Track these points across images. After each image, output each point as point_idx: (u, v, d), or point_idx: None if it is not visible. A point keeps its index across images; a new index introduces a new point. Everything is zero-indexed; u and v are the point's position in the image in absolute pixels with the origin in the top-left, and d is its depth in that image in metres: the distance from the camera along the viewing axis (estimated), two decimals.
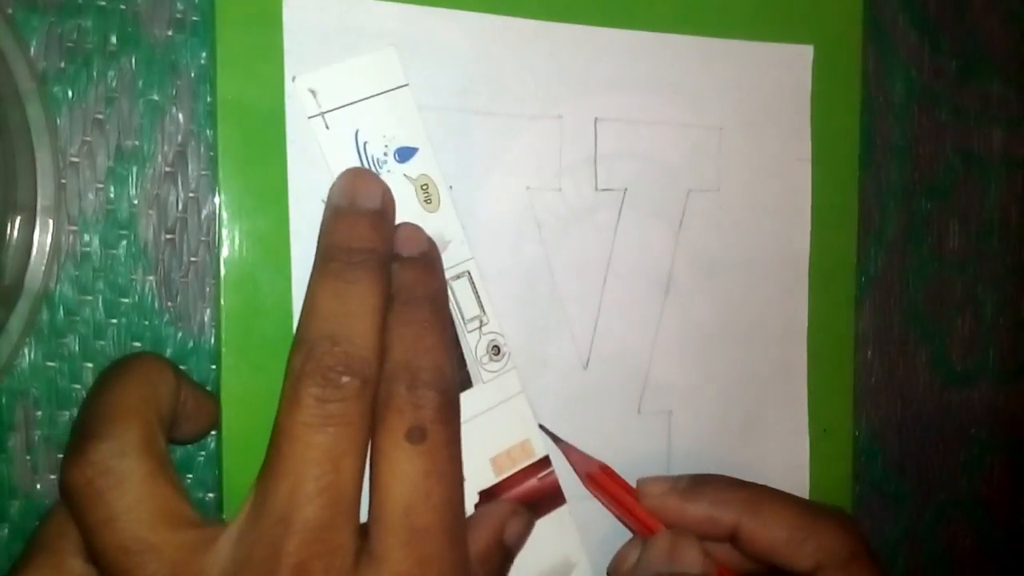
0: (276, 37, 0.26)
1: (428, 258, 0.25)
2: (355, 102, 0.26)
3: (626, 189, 0.30)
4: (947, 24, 0.37)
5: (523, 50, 0.29)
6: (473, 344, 0.28)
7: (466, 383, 0.27)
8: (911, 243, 0.37)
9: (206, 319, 0.27)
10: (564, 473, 0.29)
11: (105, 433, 0.21)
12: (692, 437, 0.31)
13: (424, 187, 0.27)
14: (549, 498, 0.28)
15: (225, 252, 0.25)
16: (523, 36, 0.29)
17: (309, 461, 0.21)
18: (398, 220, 0.26)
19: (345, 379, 0.21)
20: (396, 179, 0.27)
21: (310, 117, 0.26)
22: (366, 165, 0.26)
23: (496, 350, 0.28)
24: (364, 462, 0.22)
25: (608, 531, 0.30)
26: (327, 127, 0.26)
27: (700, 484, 0.27)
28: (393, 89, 0.27)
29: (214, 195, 0.26)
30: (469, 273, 0.28)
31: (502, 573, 0.27)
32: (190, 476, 0.27)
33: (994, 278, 0.39)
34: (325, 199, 0.25)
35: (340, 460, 0.21)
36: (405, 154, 0.27)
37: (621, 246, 0.30)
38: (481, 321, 0.28)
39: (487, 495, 0.27)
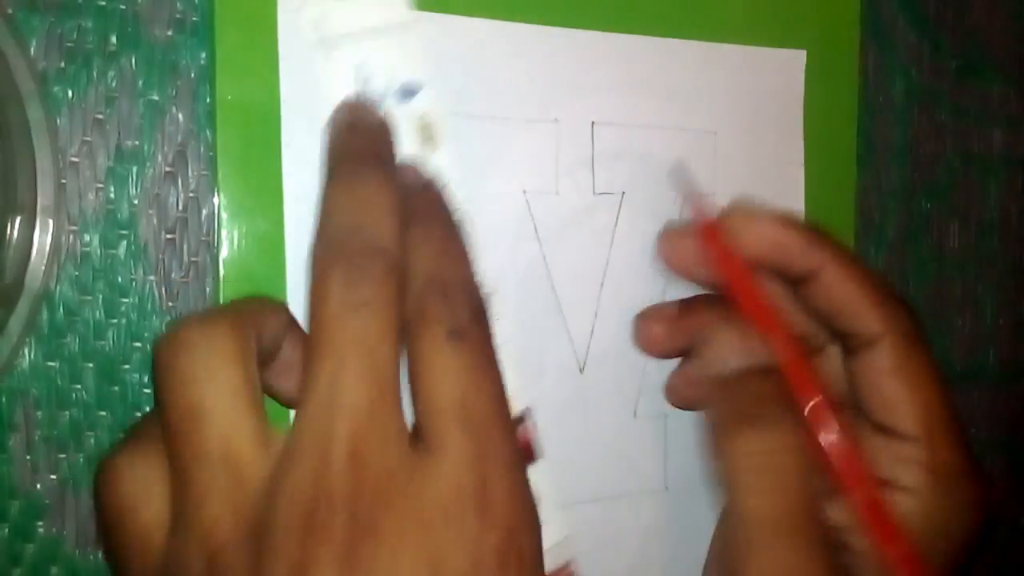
0: (274, 40, 0.26)
1: (435, 186, 0.25)
2: (359, 33, 0.25)
3: (623, 192, 0.30)
4: (947, 24, 0.37)
5: (519, 54, 0.29)
6: None
7: None
8: (911, 243, 0.37)
9: None
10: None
11: (198, 316, 0.21)
12: (688, 441, 0.31)
13: (424, 126, 0.26)
14: (523, 453, 0.28)
15: (224, 252, 0.25)
16: (519, 40, 0.29)
17: (346, 344, 0.20)
18: (397, 159, 0.26)
19: (369, 262, 0.21)
20: (396, 117, 0.26)
21: (310, 47, 0.25)
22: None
23: None
24: (399, 352, 0.21)
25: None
26: (327, 58, 0.25)
27: (796, 220, 0.27)
28: (400, 23, 0.26)
29: (214, 195, 0.26)
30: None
31: None
32: None
33: (994, 278, 0.39)
34: (324, 127, 0.24)
35: (377, 345, 0.20)
36: (406, 91, 0.26)
37: (619, 249, 0.30)
38: None
39: None
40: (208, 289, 0.27)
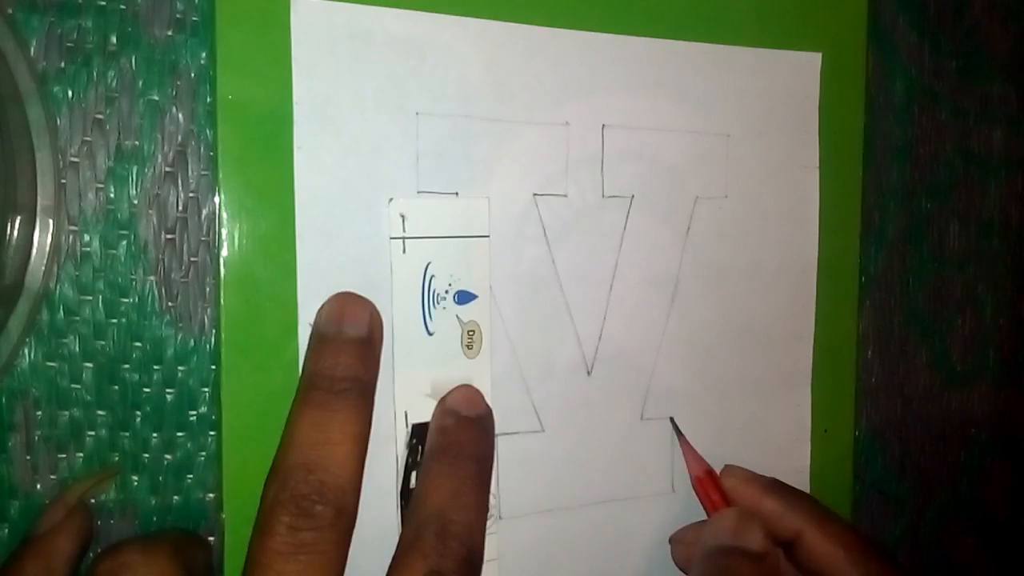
0: (279, 39, 0.26)
1: (484, 422, 0.26)
2: (436, 237, 0.27)
3: (633, 196, 0.30)
4: (947, 24, 0.37)
5: (530, 56, 0.29)
6: None
7: None
8: (911, 243, 0.37)
9: (206, 319, 0.27)
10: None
11: (138, 540, 0.22)
12: (695, 444, 0.31)
13: (471, 332, 0.28)
14: None
15: (225, 252, 0.25)
16: (530, 42, 0.29)
17: None
18: (442, 365, 0.27)
19: (319, 508, 0.21)
20: (447, 317, 0.27)
21: (392, 238, 0.26)
22: (426, 296, 0.27)
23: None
24: None
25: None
26: (404, 251, 0.27)
27: (779, 485, 0.29)
28: (474, 236, 0.28)
29: (214, 195, 0.26)
30: None
31: None
32: (190, 476, 0.27)
33: (994, 278, 0.39)
34: (312, 322, 0.25)
35: None
36: (464, 298, 0.28)
37: (628, 252, 0.30)
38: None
39: None
40: (208, 289, 0.27)
